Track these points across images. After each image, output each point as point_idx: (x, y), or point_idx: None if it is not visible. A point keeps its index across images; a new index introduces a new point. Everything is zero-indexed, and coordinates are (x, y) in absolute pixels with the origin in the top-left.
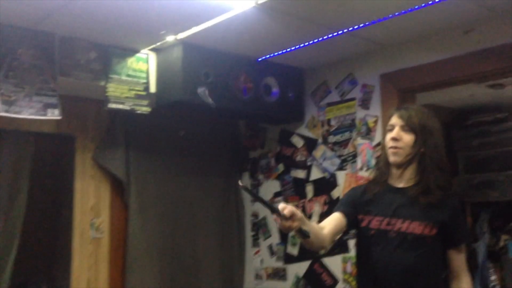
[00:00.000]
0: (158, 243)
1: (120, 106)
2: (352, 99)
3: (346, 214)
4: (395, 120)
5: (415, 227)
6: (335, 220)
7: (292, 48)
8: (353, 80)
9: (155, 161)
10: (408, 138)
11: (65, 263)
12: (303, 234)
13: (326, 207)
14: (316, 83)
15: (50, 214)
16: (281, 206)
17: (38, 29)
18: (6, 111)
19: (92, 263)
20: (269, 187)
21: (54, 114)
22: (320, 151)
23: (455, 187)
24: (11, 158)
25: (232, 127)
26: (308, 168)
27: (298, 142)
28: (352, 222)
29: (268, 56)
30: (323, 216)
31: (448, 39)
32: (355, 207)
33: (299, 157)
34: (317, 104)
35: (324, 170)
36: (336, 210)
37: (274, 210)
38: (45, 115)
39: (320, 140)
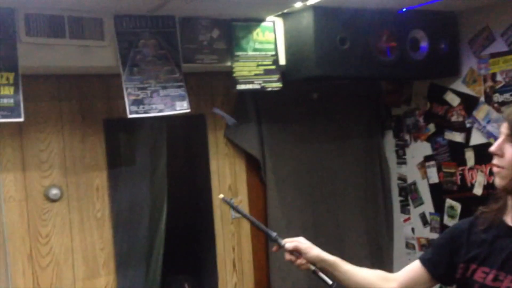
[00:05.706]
0: (298, 217)
1: (250, 86)
2: None
3: (431, 266)
4: (502, 126)
5: None
6: (411, 272)
7: None
8: None
9: (289, 133)
10: None
11: (209, 247)
12: (321, 279)
13: (491, 178)
14: (475, 29)
15: (190, 199)
16: (286, 240)
17: (157, 15)
18: (136, 112)
19: (235, 243)
20: (418, 149)
21: (183, 107)
22: (483, 111)
23: None
24: (148, 146)
25: (370, 82)
26: (467, 131)
27: (453, 99)
28: (444, 275)
29: (412, 6)
30: (486, 188)
31: None
32: (454, 252)
33: (454, 117)
34: (477, 55)
35: (489, 134)
36: (420, 257)
37: (272, 238)
38: (174, 109)
39: (482, 99)
